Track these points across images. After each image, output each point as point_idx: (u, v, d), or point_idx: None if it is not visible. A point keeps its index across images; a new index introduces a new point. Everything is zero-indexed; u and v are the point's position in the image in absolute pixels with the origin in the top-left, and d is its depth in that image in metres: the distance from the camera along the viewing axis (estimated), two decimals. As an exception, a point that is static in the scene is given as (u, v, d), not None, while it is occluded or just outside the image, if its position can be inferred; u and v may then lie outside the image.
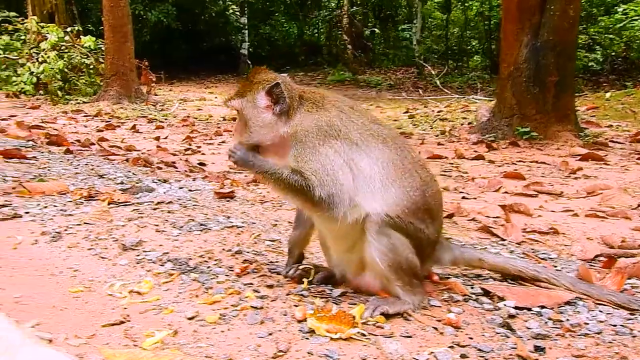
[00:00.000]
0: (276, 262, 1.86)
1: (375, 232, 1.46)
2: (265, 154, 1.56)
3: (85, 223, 2.22)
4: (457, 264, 1.74)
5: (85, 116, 8.21)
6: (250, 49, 18.59)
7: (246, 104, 1.57)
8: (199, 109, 9.99)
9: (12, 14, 12.91)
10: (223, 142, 5.88)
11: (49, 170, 3.31)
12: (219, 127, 7.44)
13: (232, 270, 1.77)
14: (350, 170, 1.48)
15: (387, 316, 1.46)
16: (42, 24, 11.49)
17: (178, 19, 16.58)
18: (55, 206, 2.49)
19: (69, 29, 11.01)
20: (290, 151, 1.52)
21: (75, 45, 10.70)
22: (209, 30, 17.61)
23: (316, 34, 20.76)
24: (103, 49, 10.46)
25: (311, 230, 1.67)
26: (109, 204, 2.53)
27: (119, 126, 7.23)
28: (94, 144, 4.93)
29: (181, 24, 16.72)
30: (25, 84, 10.53)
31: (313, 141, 1.49)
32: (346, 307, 1.53)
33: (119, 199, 2.60)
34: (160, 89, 12.45)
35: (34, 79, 10.43)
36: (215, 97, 12.09)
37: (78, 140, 5.16)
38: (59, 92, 9.96)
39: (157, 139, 6.11)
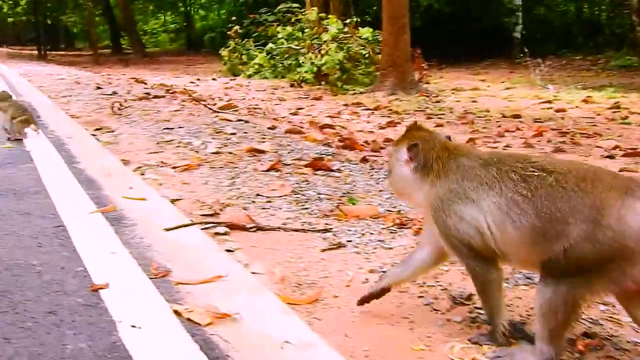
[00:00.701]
0: (616, 335, 1.73)
1: None
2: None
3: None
4: None
5: (365, 109, 8.70)
6: (524, 32, 17.76)
7: (393, 154, 1.68)
8: (474, 101, 9.85)
9: (295, 5, 14.27)
10: (508, 146, 5.66)
11: (354, 185, 3.46)
12: (499, 126, 7.20)
13: (574, 347, 1.60)
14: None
15: None
16: (321, 14, 12.48)
17: (449, 3, 16.58)
18: (371, 234, 2.60)
19: (347, 21, 11.72)
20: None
21: (354, 37, 11.36)
22: (479, 14, 17.28)
23: (597, 12, 18.97)
24: (380, 39, 10.91)
25: None
26: (417, 233, 2.61)
27: (399, 122, 7.45)
28: (383, 148, 5.16)
29: (452, 7, 16.69)
30: (307, 73, 11.59)
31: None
32: None
33: (429, 230, 2.66)
34: (430, 76, 12.60)
35: (315, 69, 11.40)
36: (488, 87, 11.81)
37: (367, 143, 5.48)
38: (338, 83, 10.72)
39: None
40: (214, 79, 12.81)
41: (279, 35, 12.84)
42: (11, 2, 23.63)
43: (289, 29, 12.97)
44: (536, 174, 1.42)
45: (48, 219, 2.57)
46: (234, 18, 15.40)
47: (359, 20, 11.70)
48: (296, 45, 12.23)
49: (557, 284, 1.37)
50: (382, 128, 6.83)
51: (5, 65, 15.86)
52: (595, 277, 1.35)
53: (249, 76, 13.21)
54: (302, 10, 13.53)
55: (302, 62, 11.68)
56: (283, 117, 6.78)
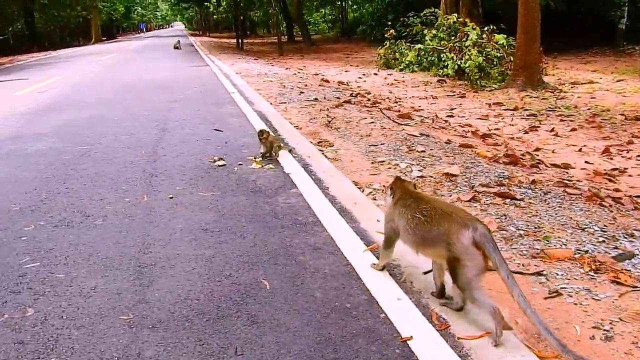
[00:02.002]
0: None
1: None
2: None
3: (628, 319, 1.99)
4: None
5: (506, 109, 8.23)
6: (627, 23, 15.52)
7: (386, 190, 2.29)
8: (592, 97, 8.93)
9: (440, 11, 13.63)
10: (640, 155, 5.09)
11: (539, 218, 3.19)
12: (624, 130, 6.44)
13: None
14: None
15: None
16: (461, 19, 11.81)
17: (565, 0, 14.93)
18: (575, 279, 2.39)
19: (485, 28, 11.09)
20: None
21: (491, 42, 10.74)
22: (588, 7, 15.36)
23: None
24: (514, 45, 10.24)
25: None
26: (614, 282, 2.44)
27: (538, 127, 7.00)
28: (539, 164, 4.85)
29: (566, 4, 15.01)
30: (448, 69, 11.13)
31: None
32: None
33: (626, 280, 2.45)
34: (547, 64, 11.52)
35: (455, 66, 10.92)
36: (600, 78, 10.61)
37: (523, 155, 5.18)
38: (478, 82, 10.22)
39: (581, 150, 5.67)
40: (375, 74, 12.64)
41: (426, 38, 12.36)
42: (215, 2, 24.87)
43: (433, 31, 12.47)
44: (419, 214, 2.03)
45: (336, 255, 2.68)
46: (389, 16, 15.05)
47: (494, 28, 10.96)
48: (439, 46, 11.73)
49: (457, 273, 1.97)
50: (526, 132, 6.47)
51: (221, 61, 16.56)
52: (459, 265, 1.94)
53: (401, 70, 12.94)
54: (443, 15, 12.91)
55: (444, 60, 11.24)
56: (446, 122, 6.59)
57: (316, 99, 7.96)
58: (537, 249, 2.78)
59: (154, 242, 2.88)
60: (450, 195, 3.63)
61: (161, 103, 8.07)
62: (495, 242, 1.92)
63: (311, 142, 5.18)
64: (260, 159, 4.49)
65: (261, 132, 4.60)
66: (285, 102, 7.79)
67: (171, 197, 3.63)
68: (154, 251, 2.77)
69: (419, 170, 4.18)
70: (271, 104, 7.70)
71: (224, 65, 15.40)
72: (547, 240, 2.97)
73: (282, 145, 4.64)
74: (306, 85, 9.97)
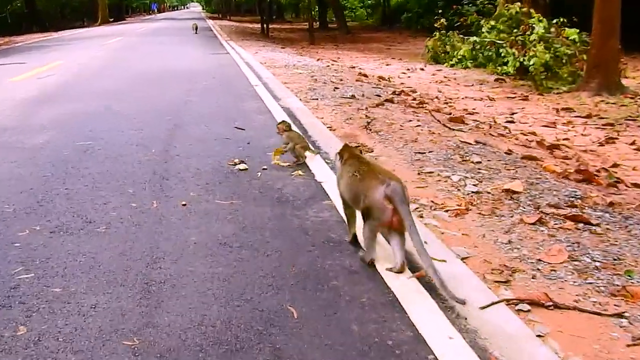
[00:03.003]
0: None
1: None
2: None
3: None
4: None
5: (576, 116, 8.05)
6: None
7: (336, 156, 2.97)
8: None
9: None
10: None
11: (620, 248, 3.10)
12: None
13: None
14: None
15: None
16: (524, 9, 11.65)
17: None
18: None
19: (554, 21, 10.91)
20: None
21: (560, 37, 10.56)
22: None
23: None
24: (587, 41, 10.04)
25: None
26: None
27: (617, 139, 6.80)
28: (618, 183, 4.72)
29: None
30: (508, 67, 10.98)
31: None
32: None
33: None
34: (626, 64, 11.25)
35: (517, 64, 10.77)
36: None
37: (598, 172, 5.03)
38: (544, 83, 10.05)
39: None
40: (422, 69, 12.58)
41: (483, 29, 12.24)
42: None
43: (491, 22, 12.34)
44: (355, 172, 2.68)
45: (376, 281, 2.64)
46: (440, 3, 14.94)
47: (565, 21, 10.77)
48: (498, 39, 11.58)
49: (365, 221, 2.63)
50: (601, 145, 6.31)
51: (243, 49, 16.77)
52: (373, 219, 2.56)
53: (452, 65, 12.84)
54: (503, 4, 12.75)
55: (504, 56, 11.10)
56: (506, 128, 6.49)
57: (353, 96, 7.96)
58: (618, 285, 2.71)
59: (164, 256, 2.90)
60: (511, 216, 3.57)
61: (175, 95, 8.20)
62: (406, 196, 2.52)
63: (347, 147, 5.14)
64: (279, 158, 4.51)
65: (283, 123, 4.67)
66: (316, 99, 7.84)
67: (184, 205, 3.65)
68: (164, 267, 2.78)
69: (474, 185, 4.12)
70: (300, 100, 7.74)
71: (247, 53, 15.59)
72: (630, 276, 2.89)
73: (307, 146, 4.60)
74: (341, 80, 9.98)
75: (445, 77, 11.78)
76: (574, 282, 2.78)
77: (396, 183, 2.48)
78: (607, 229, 3.48)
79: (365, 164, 2.70)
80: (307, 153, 4.58)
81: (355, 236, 2.94)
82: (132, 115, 6.59)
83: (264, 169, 4.47)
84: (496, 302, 2.52)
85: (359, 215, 2.75)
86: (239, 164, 4.52)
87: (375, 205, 2.49)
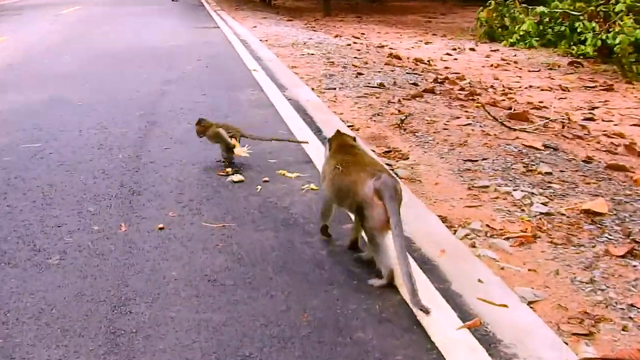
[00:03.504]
0: None
1: None
2: None
3: None
4: None
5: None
6: None
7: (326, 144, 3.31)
8: None
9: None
10: None
11: None
12: None
13: None
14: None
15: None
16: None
17: None
18: None
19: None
20: None
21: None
22: None
23: None
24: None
25: None
26: None
27: None
28: None
29: None
30: (585, 46, 10.91)
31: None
32: None
33: None
34: None
35: (598, 42, 10.71)
36: None
37: None
38: (633, 67, 9.98)
39: None
40: (472, 49, 12.59)
41: (553, -3, 12.21)
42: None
43: (565, -10, 12.30)
44: (338, 166, 3.00)
45: (415, 333, 2.61)
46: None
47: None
48: (573, 11, 11.53)
49: (362, 226, 2.96)
50: None
51: (238, 21, 16.86)
52: (362, 215, 2.87)
53: (512, 44, 12.83)
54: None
55: (580, 31, 11.03)
56: (584, 128, 6.46)
57: (382, 85, 7.99)
58: None
59: (136, 296, 2.91)
60: (593, 246, 3.55)
61: (148, 83, 8.24)
62: (397, 191, 2.78)
63: (373, 151, 5.20)
64: (289, 171, 4.57)
65: (199, 122, 4.79)
66: (334, 88, 7.88)
67: (161, 228, 3.67)
68: (136, 311, 2.78)
69: (543, 204, 4.12)
70: (313, 89, 7.79)
71: (242, 27, 15.69)
72: None
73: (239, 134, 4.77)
74: (366, 63, 9.99)
75: (503, 59, 11.77)
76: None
77: (387, 176, 2.78)
78: None
79: (352, 154, 3.05)
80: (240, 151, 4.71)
81: (355, 242, 3.30)
82: (93, 108, 6.65)
83: (265, 181, 4.48)
84: (577, 364, 2.50)
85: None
86: (233, 174, 4.56)
87: (365, 202, 2.80)
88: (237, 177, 4.44)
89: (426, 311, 2.62)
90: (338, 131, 3.36)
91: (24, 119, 6.16)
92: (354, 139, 3.30)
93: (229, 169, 4.58)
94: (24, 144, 5.35)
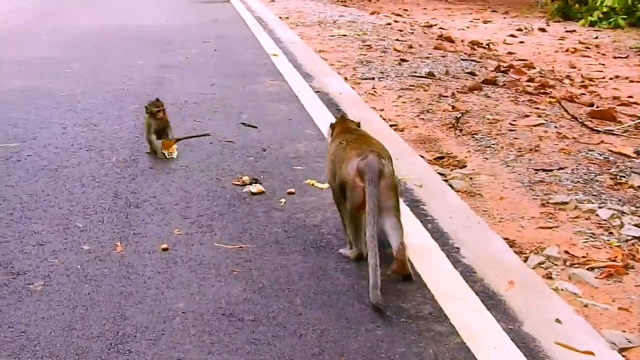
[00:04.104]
0: None
1: None
2: None
3: None
4: None
5: None
6: None
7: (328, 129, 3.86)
8: None
9: None
10: None
11: None
12: None
13: None
14: None
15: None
16: None
17: None
18: None
19: None
20: None
21: None
22: None
23: None
24: None
25: None
26: None
27: None
28: None
29: None
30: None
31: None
32: None
33: None
34: None
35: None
36: None
37: None
38: None
39: None
40: (542, 29, 12.53)
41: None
42: None
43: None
44: (342, 143, 3.42)
45: None
46: None
47: None
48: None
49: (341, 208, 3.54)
50: None
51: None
52: (344, 194, 3.34)
53: (592, 23, 12.77)
54: None
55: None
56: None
57: (431, 75, 7.99)
58: None
59: (136, 332, 2.93)
60: None
61: (146, 68, 8.31)
62: (383, 174, 3.13)
63: (422, 157, 5.22)
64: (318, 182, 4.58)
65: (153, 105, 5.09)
66: (372, 78, 7.89)
67: (165, 249, 3.72)
68: (136, 350, 2.81)
69: (637, 225, 4.10)
70: (346, 79, 7.81)
71: (257, 1, 15.71)
72: None
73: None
74: (410, 47, 9.98)
75: (581, 42, 11.69)
76: None
77: (374, 155, 3.14)
78: None
79: (355, 135, 3.49)
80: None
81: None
82: (78, 100, 6.72)
83: (290, 192, 4.51)
84: None
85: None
86: (251, 184, 4.59)
87: (346, 181, 3.23)
88: (256, 188, 4.46)
89: (380, 308, 3.02)
90: (342, 116, 3.95)
91: (-4, 113, 6.17)
92: (358, 124, 3.76)
93: (245, 177, 4.57)
94: (-3, 143, 5.36)
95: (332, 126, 3.74)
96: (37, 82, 7.40)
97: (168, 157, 4.90)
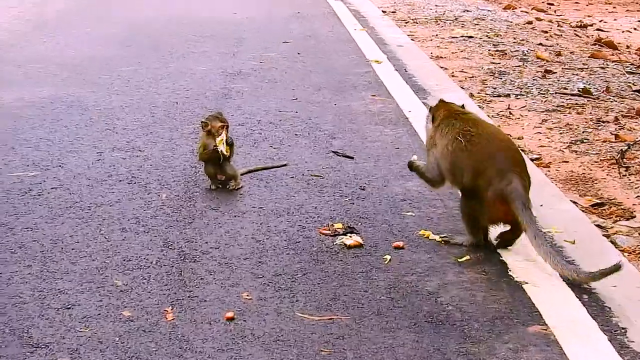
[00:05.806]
0: None
1: None
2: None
3: None
4: None
5: None
6: None
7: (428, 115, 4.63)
8: None
9: None
10: None
11: None
12: None
13: None
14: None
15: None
16: None
17: None
18: None
19: None
20: None
21: None
22: None
23: None
24: None
25: None
26: None
27: None
28: None
29: None
30: None
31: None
32: None
33: None
34: None
35: None
36: None
37: None
38: None
39: None
40: None
41: None
42: None
43: None
44: (459, 138, 4.15)
45: None
46: None
47: None
48: None
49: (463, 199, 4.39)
50: None
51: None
52: (473, 197, 4.22)
53: None
54: None
55: None
56: None
57: (586, 92, 7.89)
58: None
59: None
60: None
61: (208, 76, 8.41)
62: (527, 199, 3.96)
63: (575, 203, 5.17)
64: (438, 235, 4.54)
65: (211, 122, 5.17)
66: (507, 95, 7.90)
67: (230, 319, 3.74)
68: None
69: None
70: (472, 96, 7.81)
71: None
72: None
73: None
74: (559, 55, 9.92)
75: None
76: None
77: (518, 182, 4.02)
78: None
79: (471, 127, 4.24)
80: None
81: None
82: (118, 117, 6.81)
83: (397, 247, 4.48)
84: None
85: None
86: (345, 234, 4.60)
87: (484, 199, 4.16)
88: (351, 239, 4.44)
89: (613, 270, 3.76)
90: (442, 100, 4.66)
91: (11, 132, 6.32)
92: (462, 106, 4.53)
93: (338, 225, 4.56)
94: (12, 172, 5.49)
95: (432, 110, 4.47)
96: (66, 90, 7.53)
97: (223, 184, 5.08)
